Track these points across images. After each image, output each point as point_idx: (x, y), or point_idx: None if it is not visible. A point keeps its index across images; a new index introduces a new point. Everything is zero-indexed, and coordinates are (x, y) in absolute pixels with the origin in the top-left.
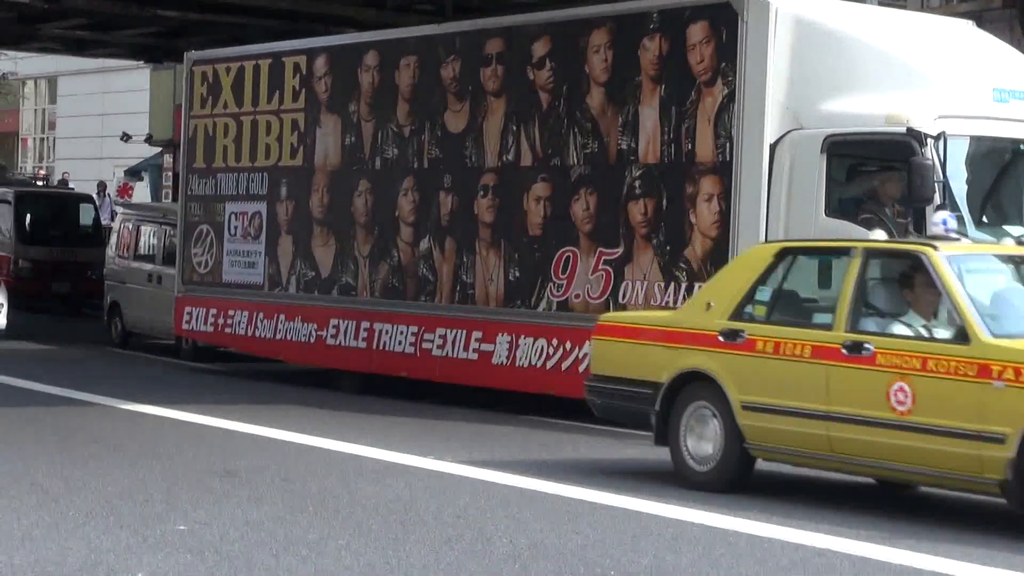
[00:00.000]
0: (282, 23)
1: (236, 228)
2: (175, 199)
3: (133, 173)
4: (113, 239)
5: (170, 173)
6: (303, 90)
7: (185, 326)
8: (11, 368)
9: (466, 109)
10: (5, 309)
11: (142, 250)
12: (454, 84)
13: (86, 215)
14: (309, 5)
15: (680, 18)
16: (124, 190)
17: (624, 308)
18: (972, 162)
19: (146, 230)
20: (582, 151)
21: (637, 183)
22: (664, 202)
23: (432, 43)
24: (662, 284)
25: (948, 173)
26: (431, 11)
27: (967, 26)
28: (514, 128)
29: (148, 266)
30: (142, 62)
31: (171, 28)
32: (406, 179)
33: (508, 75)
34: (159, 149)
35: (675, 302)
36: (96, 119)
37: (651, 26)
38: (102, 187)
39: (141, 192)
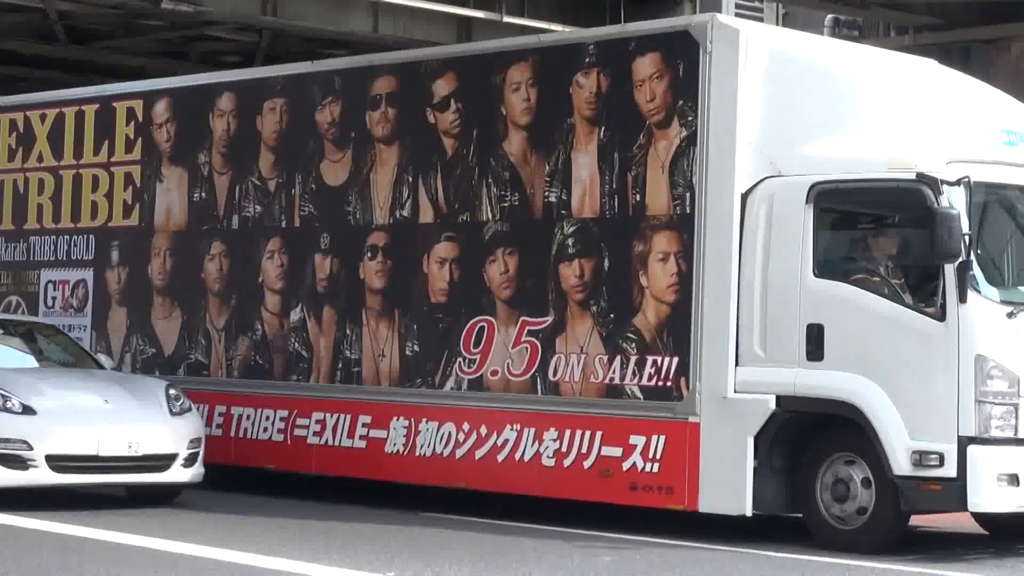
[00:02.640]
0: (68, 75)
1: (55, 299)
2: None
3: None
4: None
5: None
6: (139, 139)
7: None
8: None
9: (348, 158)
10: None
11: None
12: (332, 130)
13: None
14: (101, 55)
15: (623, 50)
16: None
17: (556, 385)
18: (988, 212)
19: None
20: (498, 204)
21: (570, 241)
22: (606, 262)
23: (304, 83)
24: (604, 357)
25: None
26: (238, 62)
27: (936, 65)
28: (410, 179)
29: None
30: None
31: None
32: (272, 240)
33: (402, 118)
34: None
35: (622, 378)
36: None
37: (586, 59)
38: None
39: None
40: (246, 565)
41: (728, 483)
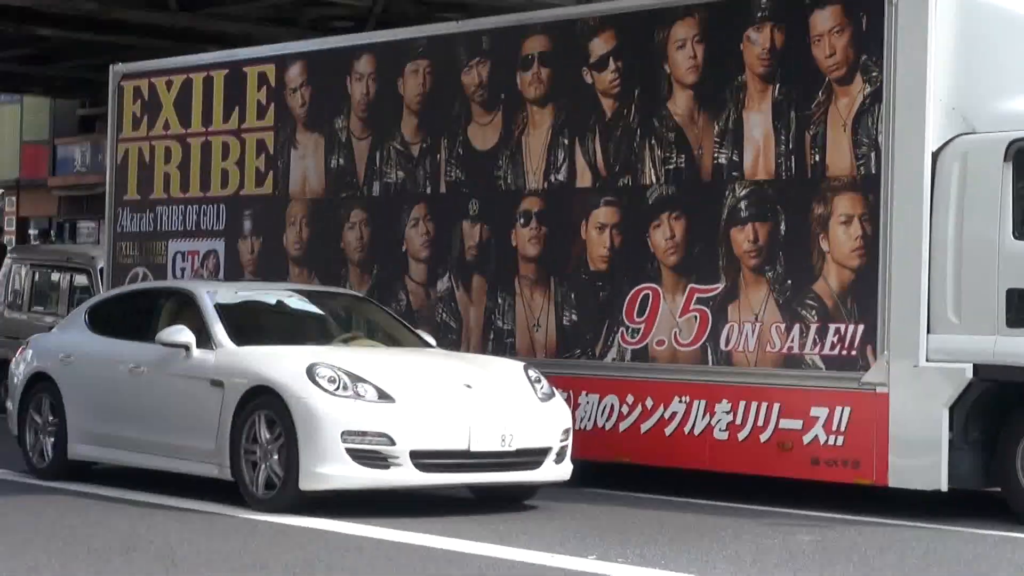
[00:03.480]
0: (174, 43)
1: (183, 270)
2: (19, 242)
3: None
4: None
5: (13, 217)
6: (271, 104)
7: None
8: None
9: (498, 121)
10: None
11: (39, 300)
12: (480, 92)
13: None
14: (208, 22)
15: (799, 4)
16: None
17: (729, 355)
18: None
19: (45, 277)
20: (663, 167)
21: (743, 204)
22: (782, 226)
23: (448, 44)
24: (781, 326)
25: None
26: (350, 28)
27: None
28: (565, 142)
29: (49, 319)
30: None
31: (42, 51)
32: (416, 206)
33: (556, 78)
34: (1, 191)
35: (801, 347)
36: None
37: (758, 14)
38: None
39: None
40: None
41: (921, 456)
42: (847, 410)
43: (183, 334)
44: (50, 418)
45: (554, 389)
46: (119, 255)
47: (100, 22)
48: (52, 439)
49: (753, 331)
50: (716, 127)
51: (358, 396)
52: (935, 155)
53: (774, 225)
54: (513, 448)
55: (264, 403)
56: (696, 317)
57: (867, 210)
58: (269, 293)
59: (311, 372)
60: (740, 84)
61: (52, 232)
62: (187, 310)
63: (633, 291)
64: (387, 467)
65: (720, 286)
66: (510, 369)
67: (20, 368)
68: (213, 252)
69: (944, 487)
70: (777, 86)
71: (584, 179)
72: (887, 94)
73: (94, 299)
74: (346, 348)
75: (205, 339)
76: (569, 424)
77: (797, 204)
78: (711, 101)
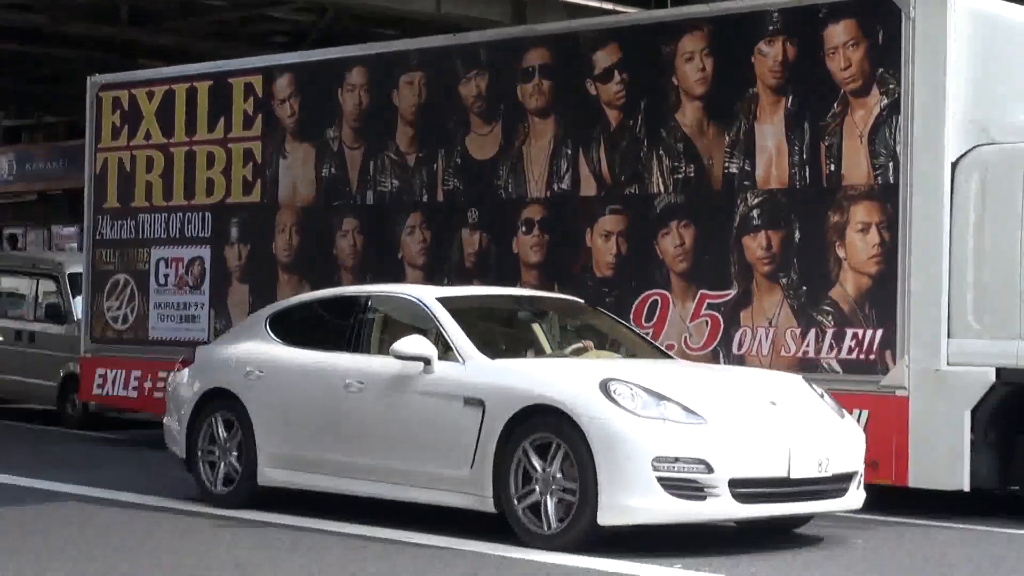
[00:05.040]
0: (116, 57)
1: (167, 277)
2: None
3: None
4: None
5: None
6: (259, 115)
7: (97, 391)
8: None
9: (497, 132)
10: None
11: (1, 305)
12: (479, 103)
13: None
14: (151, 36)
15: (811, 17)
16: None
17: (741, 359)
18: None
19: (8, 282)
20: (671, 176)
21: (755, 212)
22: (796, 234)
23: (444, 56)
24: (796, 331)
25: None
26: (287, 43)
27: None
28: (568, 151)
29: (14, 323)
30: None
31: None
32: (412, 214)
33: (558, 90)
34: None
35: (817, 351)
36: None
37: (770, 27)
38: None
39: None
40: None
41: (943, 457)
42: (865, 413)
43: (423, 345)
44: (232, 440)
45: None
46: (99, 261)
47: (41, 35)
48: (237, 463)
49: (767, 335)
50: (727, 138)
51: (664, 416)
52: (954, 165)
53: (787, 232)
54: (829, 474)
55: (538, 424)
56: (707, 322)
57: (885, 218)
58: (485, 298)
59: (606, 388)
60: (751, 96)
61: None
62: (406, 318)
63: (641, 296)
64: (703, 498)
65: (732, 292)
66: (796, 383)
67: (186, 384)
68: (199, 259)
69: (967, 487)
70: (790, 98)
71: (588, 188)
72: (905, 106)
73: (273, 307)
74: (632, 361)
75: (443, 351)
76: (864, 444)
77: (812, 212)
78: (721, 112)
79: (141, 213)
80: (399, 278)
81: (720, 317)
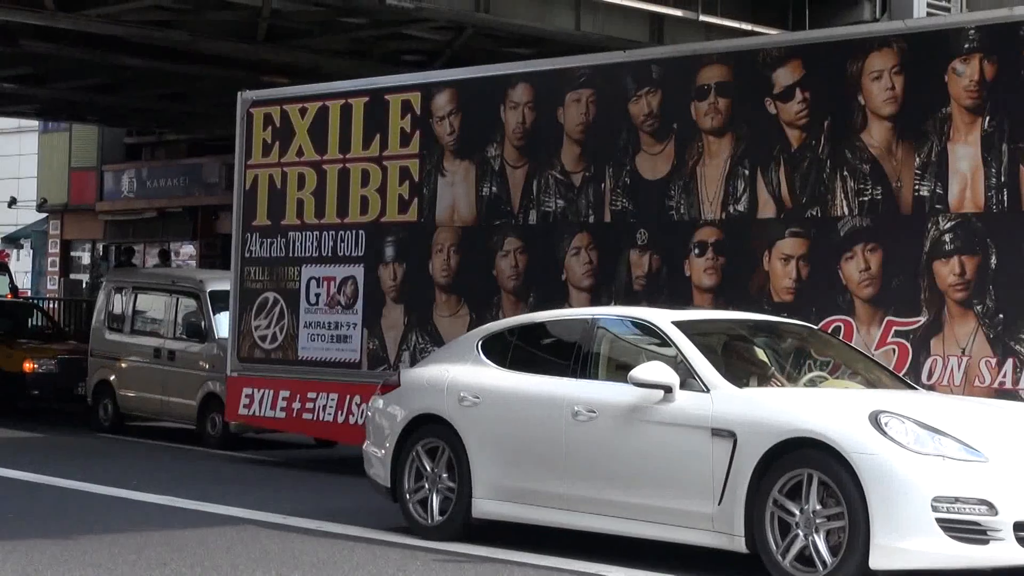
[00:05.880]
0: (243, 73)
1: (318, 296)
2: (63, 268)
3: (11, 240)
4: (99, 311)
5: (58, 240)
6: (416, 132)
7: (243, 411)
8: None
9: (669, 150)
10: None
11: (141, 323)
12: (650, 121)
13: None
14: (280, 54)
15: (1011, 35)
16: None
17: (932, 388)
18: None
19: (147, 300)
20: (856, 199)
21: (947, 237)
22: (992, 260)
23: (613, 73)
24: (992, 360)
25: None
26: (418, 63)
27: None
28: (746, 172)
29: (153, 340)
30: (39, 123)
31: (107, 81)
32: (578, 235)
33: (735, 108)
34: (43, 216)
35: (1015, 382)
36: None
37: (965, 46)
38: None
39: (22, 261)
40: None
41: None
42: None
43: (666, 373)
44: (443, 469)
45: None
46: (247, 280)
47: (179, 52)
48: (452, 494)
49: (959, 365)
50: (917, 159)
51: (942, 453)
52: None
53: (983, 258)
54: None
55: (796, 459)
56: (895, 350)
57: None
58: (721, 323)
59: (876, 421)
60: (944, 116)
61: (99, 254)
62: (638, 342)
63: (823, 322)
64: (985, 542)
65: (922, 319)
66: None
67: (391, 409)
68: (351, 278)
69: None
70: (987, 118)
71: (767, 210)
72: None
73: (486, 329)
74: (894, 392)
75: (682, 378)
76: None
77: (1010, 237)
78: (911, 133)
79: (292, 231)
80: (563, 300)
81: (908, 345)
